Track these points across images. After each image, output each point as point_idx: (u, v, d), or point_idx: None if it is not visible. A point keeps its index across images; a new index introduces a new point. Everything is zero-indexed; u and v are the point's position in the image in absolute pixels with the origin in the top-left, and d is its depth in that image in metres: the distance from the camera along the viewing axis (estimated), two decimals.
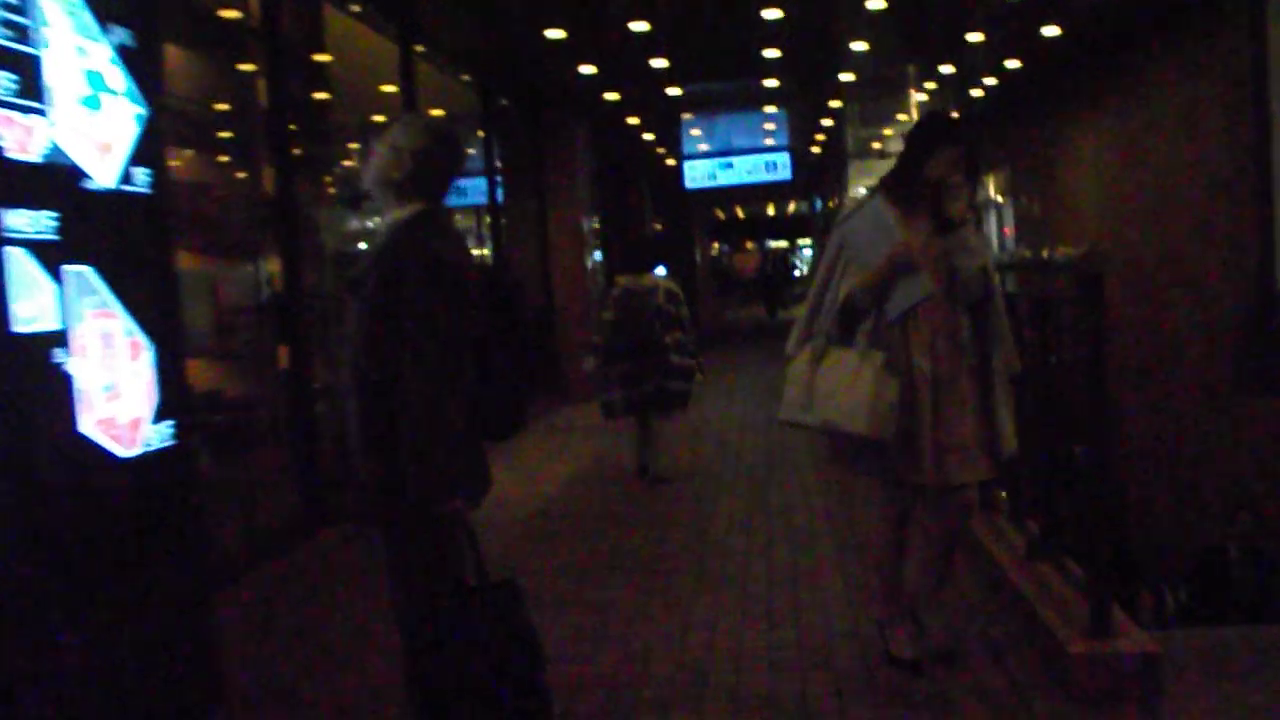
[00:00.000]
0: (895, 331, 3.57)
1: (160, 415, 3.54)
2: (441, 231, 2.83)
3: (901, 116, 16.91)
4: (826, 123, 16.14)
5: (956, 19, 10.50)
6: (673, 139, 17.14)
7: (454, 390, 2.68)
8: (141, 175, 3.55)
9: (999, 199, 18.22)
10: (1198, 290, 9.39)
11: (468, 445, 2.76)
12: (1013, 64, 12.84)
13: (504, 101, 12.30)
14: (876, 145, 19.39)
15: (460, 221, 16.30)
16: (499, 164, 13.18)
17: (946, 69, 12.93)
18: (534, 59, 10.46)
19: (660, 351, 7.13)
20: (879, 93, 14.59)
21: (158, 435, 3.53)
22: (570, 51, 10.16)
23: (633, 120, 14.35)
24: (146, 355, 3.51)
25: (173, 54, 5.60)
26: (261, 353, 5.85)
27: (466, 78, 10.68)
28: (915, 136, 3.73)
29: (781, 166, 18.62)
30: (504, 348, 2.99)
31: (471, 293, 2.80)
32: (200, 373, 5.55)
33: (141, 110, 3.53)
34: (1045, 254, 13.30)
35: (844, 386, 3.49)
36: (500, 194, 13.10)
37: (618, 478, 7.98)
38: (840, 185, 23.00)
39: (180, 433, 3.63)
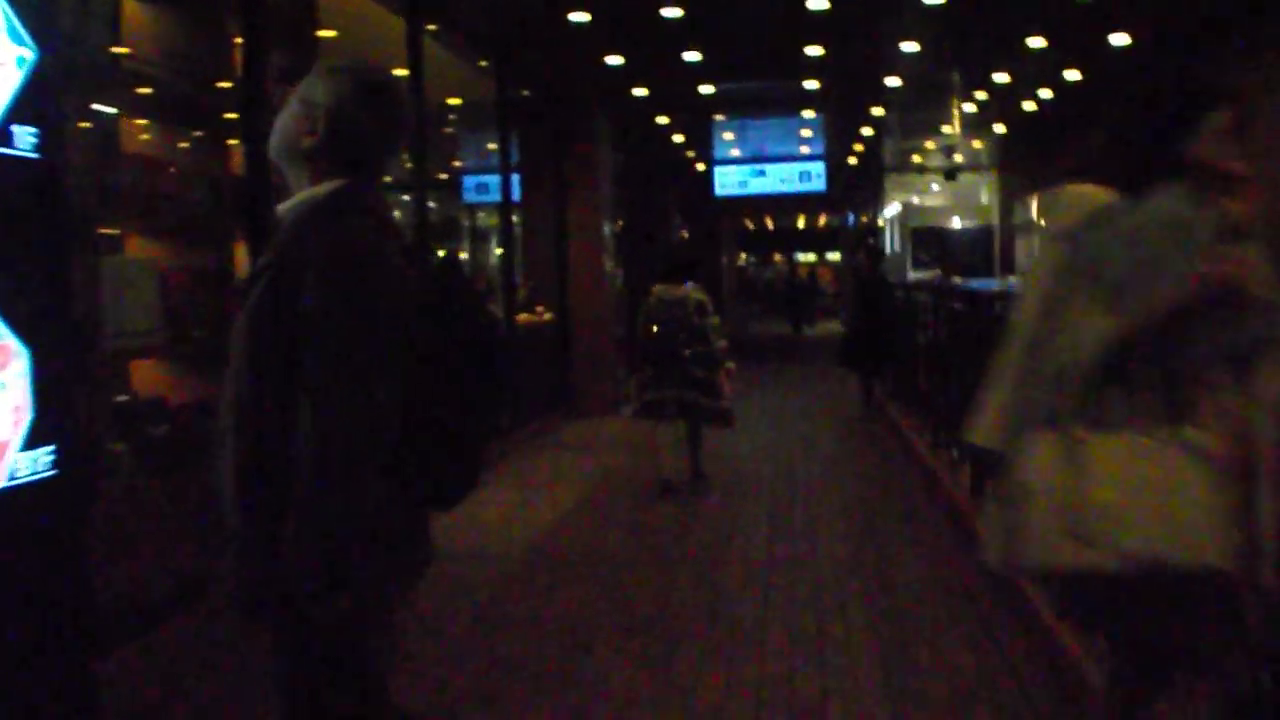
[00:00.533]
0: (1216, 394, 2.30)
1: (35, 439, 2.80)
2: (365, 216, 2.04)
3: (945, 129, 16.09)
4: (866, 131, 15.31)
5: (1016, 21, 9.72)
6: (703, 142, 16.37)
7: (372, 436, 1.90)
8: (25, 135, 2.81)
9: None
10: None
11: (391, 513, 1.98)
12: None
13: (524, 92, 11.56)
14: (917, 159, 18.57)
15: (484, 220, 15.65)
16: (516, 160, 12.48)
17: (1000, 76, 12.11)
18: (556, 45, 9.73)
19: (679, 362, 7.20)
20: (922, 102, 13.79)
21: (30, 464, 2.79)
22: (595, 38, 9.42)
23: (662, 119, 13.59)
24: (18, 364, 2.77)
25: (132, 7, 4.91)
26: (220, 353, 5.12)
27: (483, 63, 9.94)
28: (1156, 96, 2.53)
29: (816, 176, 17.81)
30: (457, 378, 2.21)
31: (408, 302, 2.03)
32: (145, 376, 4.84)
33: (27, 53, 2.79)
34: None
35: (1152, 490, 2.23)
36: (516, 192, 12.39)
37: (626, 505, 7.22)
38: (876, 199, 22.16)
39: (65, 460, 2.89)
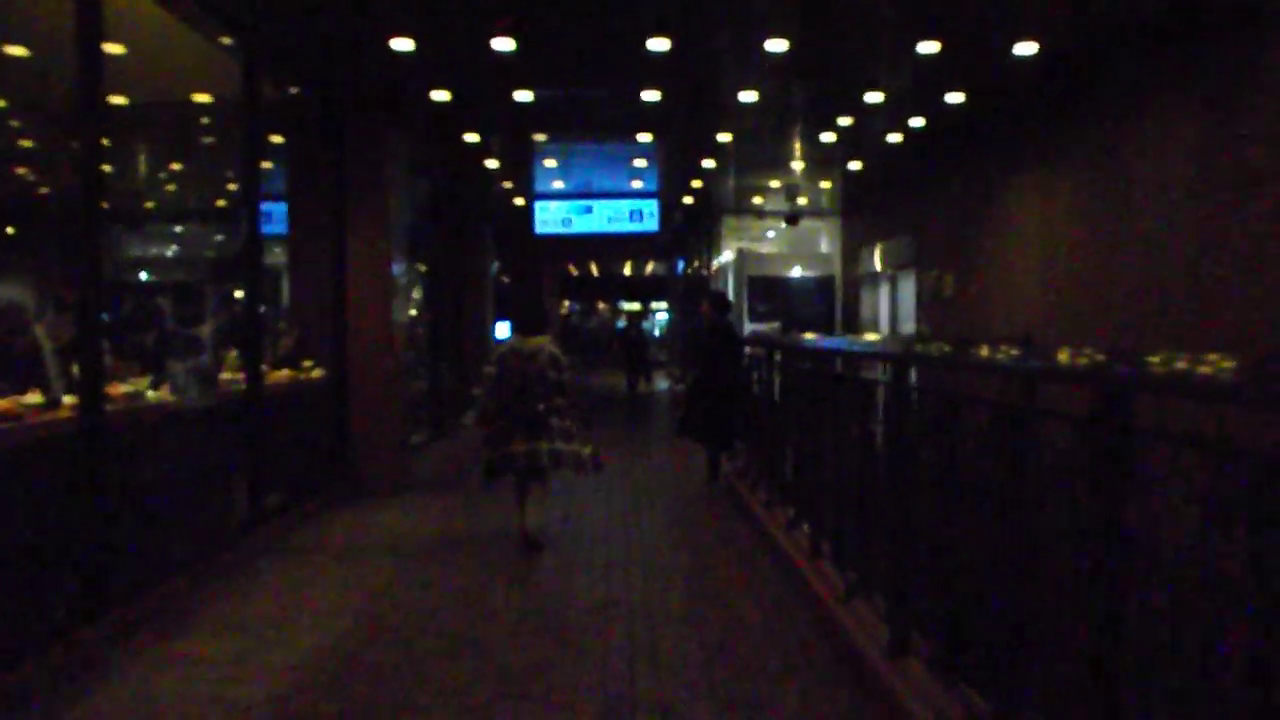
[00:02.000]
0: None
1: None
2: None
3: (788, 169, 14.50)
4: (707, 163, 13.48)
5: (860, 71, 8.28)
6: (522, 170, 14.20)
7: None
8: None
9: (884, 269, 15.96)
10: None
11: None
12: (918, 122, 10.57)
13: (290, 89, 9.15)
14: (758, 200, 16.94)
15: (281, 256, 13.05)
16: (287, 183, 10.01)
17: (844, 120, 10.60)
18: (324, 17, 7.42)
19: (535, 417, 7.16)
20: (766, 138, 12.13)
21: None
22: (383, 12, 7.18)
23: (471, 137, 11.35)
24: None
25: None
26: None
27: (227, 40, 7.51)
28: None
29: (648, 215, 15.92)
30: None
31: None
32: None
33: None
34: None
35: None
36: (282, 223, 9.91)
37: (396, 660, 4.88)
38: (710, 243, 20.50)
39: None
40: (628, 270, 37.80)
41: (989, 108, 10.23)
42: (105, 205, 5.20)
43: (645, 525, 8.19)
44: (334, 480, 9.31)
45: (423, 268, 14.34)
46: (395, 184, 9.85)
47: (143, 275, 15.97)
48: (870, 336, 14.46)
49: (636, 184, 15.13)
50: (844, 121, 10.75)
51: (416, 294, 14.06)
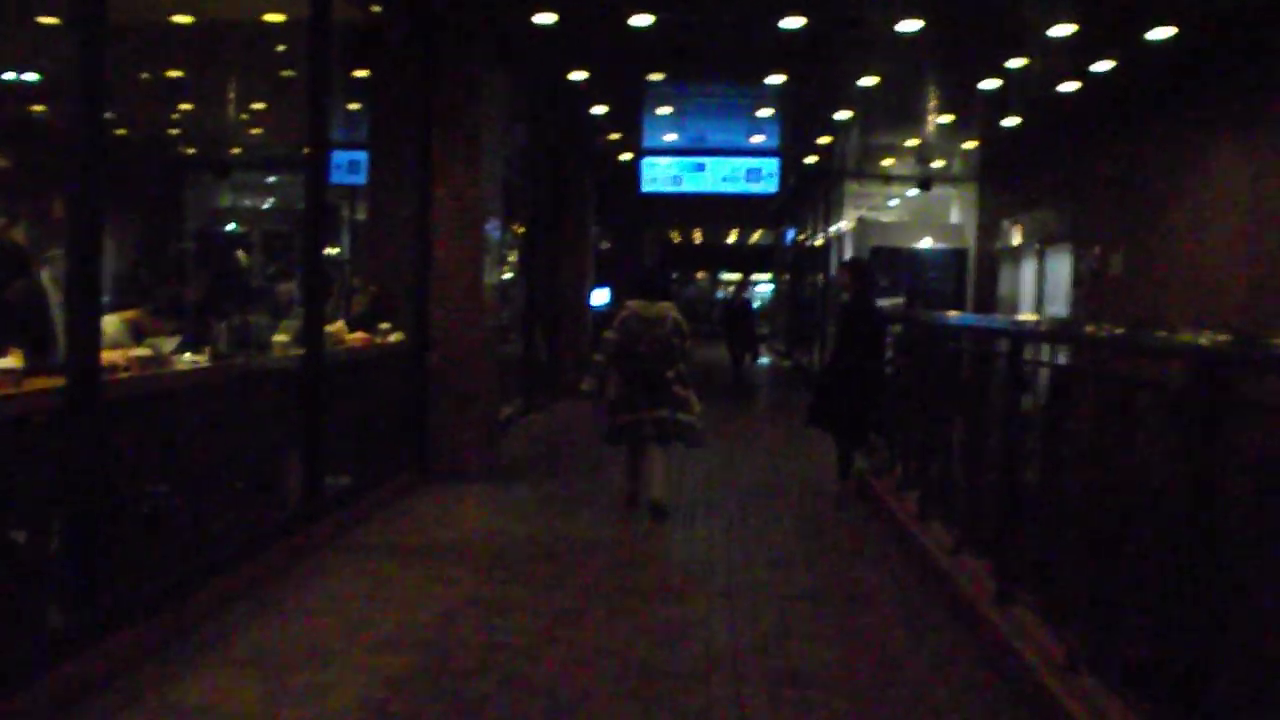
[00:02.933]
0: None
1: None
2: None
3: (928, 127, 12.88)
4: (841, 115, 11.95)
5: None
6: (631, 122, 12.85)
7: None
8: None
9: (1029, 243, 14.23)
10: None
11: None
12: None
13: (374, 8, 7.94)
14: (887, 162, 15.31)
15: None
16: (368, 123, 8.85)
17: (1015, 62, 9.01)
18: None
19: (659, 384, 7.12)
20: (918, 84, 10.60)
21: None
22: None
23: (578, 75, 10.03)
24: None
25: None
26: None
27: None
28: None
29: (766, 176, 14.45)
30: None
31: None
32: None
33: None
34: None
35: None
36: (361, 169, 8.78)
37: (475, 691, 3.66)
38: (827, 210, 18.90)
39: None
40: (732, 239, 36.21)
41: (1202, 45, 8.53)
42: (103, 133, 4.01)
43: (767, 542, 6.84)
44: (412, 461, 8.16)
45: (519, 229, 13.15)
46: (490, 127, 8.59)
47: (231, 227, 15.13)
48: (1026, 317, 12.81)
49: (757, 139, 13.63)
50: (1014, 63, 9.14)
51: (511, 257, 12.87)
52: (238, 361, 5.43)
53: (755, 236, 33.99)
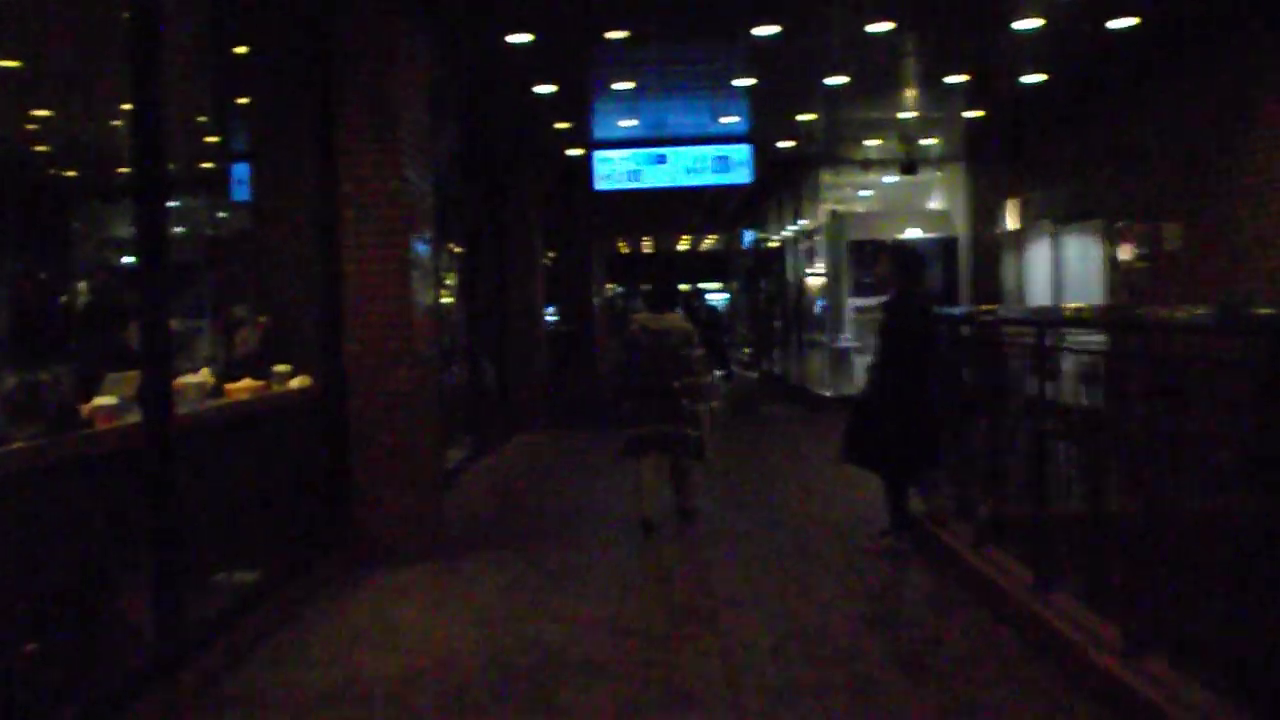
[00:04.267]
0: None
1: None
2: None
3: (911, 101, 11.19)
4: (835, 80, 10.14)
5: None
6: (583, 106, 10.94)
7: None
8: None
9: (1034, 226, 12.57)
10: None
11: None
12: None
13: None
14: (871, 141, 13.56)
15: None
16: (255, 108, 6.89)
17: (1025, 23, 7.44)
18: None
19: (670, 396, 7.02)
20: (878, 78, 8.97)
21: None
22: None
23: (519, 38, 8.08)
24: None
25: None
26: None
27: None
28: None
29: (737, 164, 12.62)
30: None
31: None
32: None
33: None
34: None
35: None
36: (241, 175, 6.85)
37: None
38: (797, 203, 17.13)
39: None
40: (683, 246, 34.38)
41: None
42: None
43: (828, 638, 4.93)
44: (330, 545, 6.15)
45: (457, 249, 11.21)
46: (413, 106, 6.64)
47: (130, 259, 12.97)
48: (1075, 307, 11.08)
49: (729, 119, 11.74)
50: (1024, 24, 7.45)
51: (449, 279, 10.90)
52: (21, 446, 3.40)
53: (709, 242, 32.18)
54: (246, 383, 5.45)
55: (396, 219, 6.34)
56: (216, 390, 5.04)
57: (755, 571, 6.05)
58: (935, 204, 16.45)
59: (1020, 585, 4.86)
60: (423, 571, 6.16)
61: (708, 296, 51.77)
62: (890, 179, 16.38)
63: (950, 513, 6.35)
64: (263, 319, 6.23)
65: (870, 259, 15.37)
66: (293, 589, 5.47)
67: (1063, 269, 11.96)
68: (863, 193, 17.57)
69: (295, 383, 5.91)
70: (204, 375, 4.90)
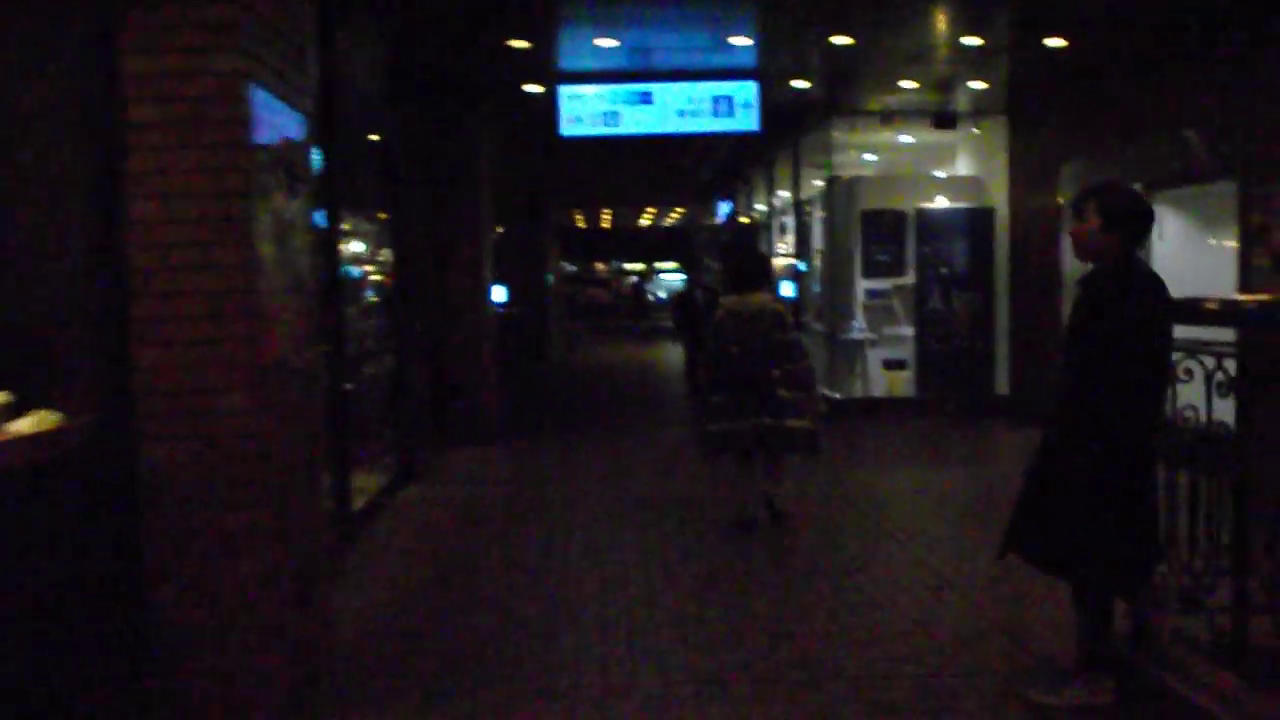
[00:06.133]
0: None
1: None
2: None
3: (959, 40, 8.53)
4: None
5: None
6: (547, 13, 8.08)
7: None
8: None
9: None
10: None
11: None
12: None
13: None
14: (908, 84, 10.84)
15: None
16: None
17: None
18: None
19: (766, 385, 6.48)
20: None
21: None
22: None
23: None
24: None
25: None
26: None
27: None
28: None
29: (742, 106, 9.88)
30: None
31: None
32: None
33: None
34: None
35: None
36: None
37: None
38: (796, 164, 14.43)
39: None
40: (647, 221, 31.57)
41: None
42: None
43: None
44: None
45: (380, 214, 8.43)
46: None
47: None
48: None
49: (739, 40, 8.91)
50: None
51: (360, 248, 8.11)
52: None
53: (673, 217, 29.40)
54: None
55: (234, 141, 3.52)
56: None
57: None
58: (960, 169, 13.87)
59: None
60: None
61: (663, 278, 49.27)
62: (907, 138, 13.81)
63: (1191, 639, 3.71)
64: None
65: (885, 233, 12.83)
66: None
67: (1157, 245, 9.41)
68: (867, 155, 14.96)
69: (24, 425, 3.07)
70: None
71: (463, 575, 5.89)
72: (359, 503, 6.87)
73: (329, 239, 6.53)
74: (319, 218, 5.87)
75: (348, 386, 6.78)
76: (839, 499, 7.61)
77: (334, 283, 6.56)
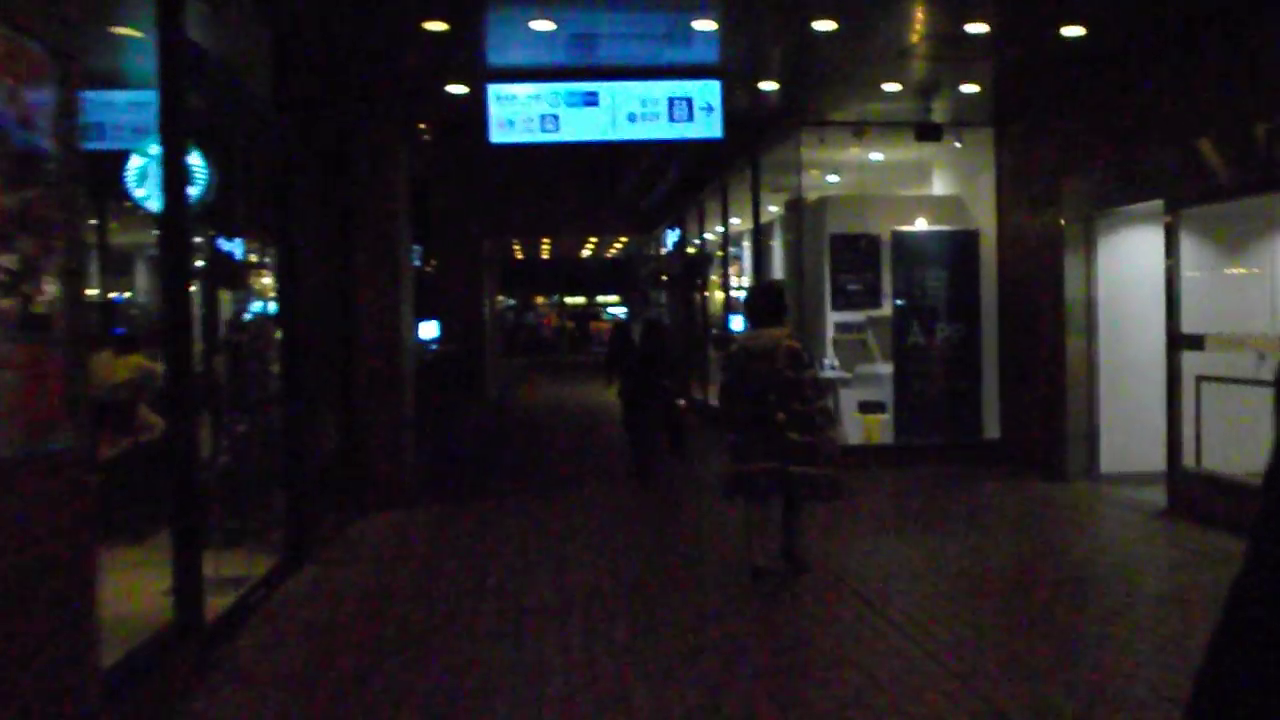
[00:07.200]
0: None
1: None
2: None
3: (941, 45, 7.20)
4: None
5: None
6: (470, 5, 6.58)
7: None
8: None
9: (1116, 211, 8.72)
10: None
11: None
12: None
13: None
14: (891, 85, 9.48)
15: None
16: None
17: None
18: None
19: (773, 427, 6.12)
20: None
21: None
22: None
23: None
24: None
25: None
26: None
27: None
28: None
29: (703, 110, 8.45)
30: None
31: None
32: None
33: None
34: None
35: None
36: None
37: None
38: (755, 185, 13.03)
39: None
40: (588, 252, 30.06)
41: None
42: None
43: None
44: None
45: (301, 235, 6.85)
46: None
47: None
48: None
49: (702, 24, 7.46)
50: None
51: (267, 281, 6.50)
52: None
53: (616, 247, 27.91)
54: None
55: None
56: None
57: None
58: (935, 188, 12.61)
59: None
60: None
61: (610, 311, 47.86)
62: (876, 155, 12.52)
63: None
64: None
65: (856, 261, 11.46)
66: None
67: (1178, 279, 8.11)
68: (830, 177, 13.66)
69: None
70: None
71: (352, 713, 4.28)
72: (218, 605, 5.22)
73: (178, 266, 4.94)
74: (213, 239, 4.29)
75: (207, 454, 5.16)
76: (826, 574, 6.13)
77: (184, 323, 4.96)
